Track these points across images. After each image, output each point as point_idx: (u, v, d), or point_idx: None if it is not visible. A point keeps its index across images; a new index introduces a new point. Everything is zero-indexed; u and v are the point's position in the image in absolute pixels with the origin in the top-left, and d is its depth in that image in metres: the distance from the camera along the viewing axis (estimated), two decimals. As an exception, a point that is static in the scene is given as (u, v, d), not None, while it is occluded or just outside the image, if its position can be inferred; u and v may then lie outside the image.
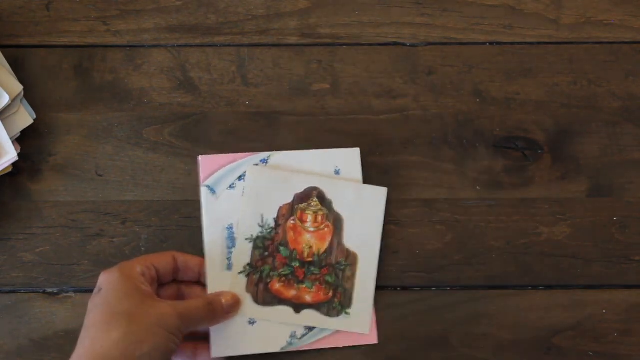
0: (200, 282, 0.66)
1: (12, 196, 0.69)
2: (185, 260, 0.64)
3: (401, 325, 0.67)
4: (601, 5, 0.73)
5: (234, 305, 0.64)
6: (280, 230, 0.67)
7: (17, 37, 0.72)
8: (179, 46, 0.72)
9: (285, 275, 0.66)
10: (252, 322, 0.66)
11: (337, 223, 0.67)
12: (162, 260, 0.63)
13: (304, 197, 0.68)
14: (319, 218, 0.67)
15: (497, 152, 0.70)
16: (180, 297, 0.65)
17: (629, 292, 0.68)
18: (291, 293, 0.66)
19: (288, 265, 0.66)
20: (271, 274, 0.66)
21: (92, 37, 0.72)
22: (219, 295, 0.64)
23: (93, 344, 0.55)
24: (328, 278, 0.67)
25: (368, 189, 0.68)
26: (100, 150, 0.70)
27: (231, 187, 0.67)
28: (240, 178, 0.67)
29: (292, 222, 0.67)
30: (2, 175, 0.68)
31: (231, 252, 0.66)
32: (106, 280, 0.59)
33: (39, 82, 0.71)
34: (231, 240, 0.66)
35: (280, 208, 0.67)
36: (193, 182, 0.69)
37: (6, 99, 0.67)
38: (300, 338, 0.66)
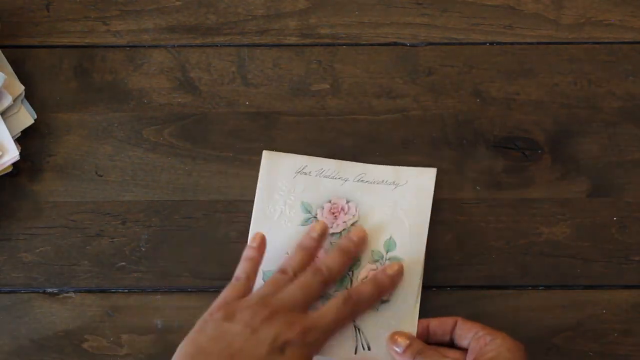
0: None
1: (12, 196, 0.69)
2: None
3: (401, 325, 0.67)
4: (601, 5, 0.73)
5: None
6: None
7: (17, 37, 0.72)
8: (179, 46, 0.72)
9: None
10: None
11: None
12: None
13: None
14: None
15: (497, 152, 0.70)
16: None
17: (629, 292, 0.68)
18: None
19: None
20: None
21: (92, 37, 0.72)
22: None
23: None
24: None
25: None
26: (100, 150, 0.70)
27: None
28: None
29: None
30: (2, 176, 0.68)
31: None
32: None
33: (39, 82, 0.71)
34: None
35: None
36: (193, 182, 0.69)
37: (9, 100, 0.67)
38: None
